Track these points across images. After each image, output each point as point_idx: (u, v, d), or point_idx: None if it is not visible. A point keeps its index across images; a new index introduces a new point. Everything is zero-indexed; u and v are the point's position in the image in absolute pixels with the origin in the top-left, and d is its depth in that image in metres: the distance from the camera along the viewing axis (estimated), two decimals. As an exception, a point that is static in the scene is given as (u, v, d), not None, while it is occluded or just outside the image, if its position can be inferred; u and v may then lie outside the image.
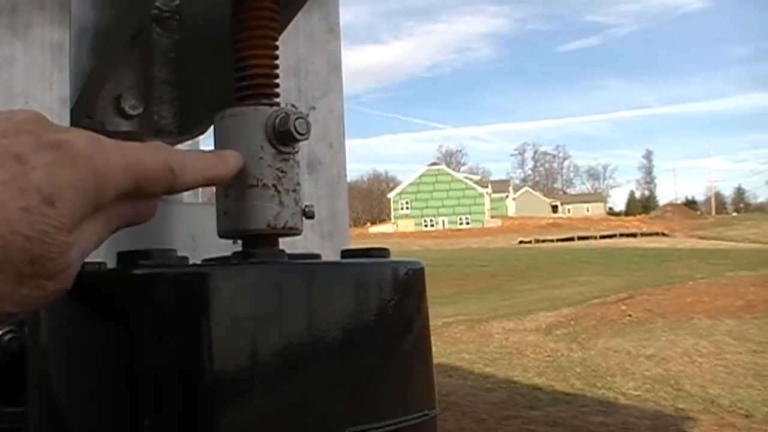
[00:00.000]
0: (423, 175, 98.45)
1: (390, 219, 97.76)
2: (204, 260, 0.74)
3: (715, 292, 16.38)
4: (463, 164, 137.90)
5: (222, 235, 0.76)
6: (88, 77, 0.98)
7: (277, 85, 0.80)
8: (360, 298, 0.70)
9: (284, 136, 0.73)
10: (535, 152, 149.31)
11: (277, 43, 0.82)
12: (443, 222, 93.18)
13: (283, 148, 0.74)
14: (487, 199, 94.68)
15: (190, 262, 0.73)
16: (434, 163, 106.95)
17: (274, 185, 0.74)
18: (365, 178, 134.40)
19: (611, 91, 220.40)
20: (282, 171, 0.74)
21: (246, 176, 0.73)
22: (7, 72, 0.83)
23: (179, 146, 1.29)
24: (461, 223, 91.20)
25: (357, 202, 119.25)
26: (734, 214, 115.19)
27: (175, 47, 1.07)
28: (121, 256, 0.64)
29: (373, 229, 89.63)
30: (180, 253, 0.70)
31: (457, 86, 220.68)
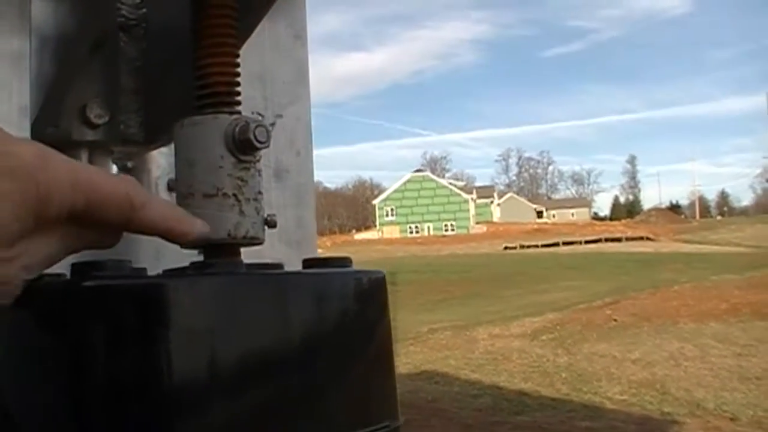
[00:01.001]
0: (408, 181, 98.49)
1: (375, 226, 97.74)
2: (164, 271, 0.73)
3: (700, 295, 16.47)
4: (448, 170, 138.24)
5: (183, 245, 0.75)
6: (51, 86, 0.97)
7: (238, 93, 0.79)
8: (320, 309, 0.69)
9: (244, 145, 0.72)
10: (520, 158, 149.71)
11: (241, 50, 0.81)
12: (428, 228, 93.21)
13: (243, 157, 0.73)
14: (471, 205, 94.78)
15: (154, 272, 0.72)
16: (419, 170, 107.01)
17: (234, 194, 0.73)
18: (350, 185, 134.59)
19: (595, 96, 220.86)
20: (242, 180, 0.73)
21: (205, 185, 0.72)
22: (-36, 82, 0.82)
23: (154, 155, 1.29)
24: (446, 230, 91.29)
25: (342, 209, 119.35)
26: (718, 217, 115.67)
27: (141, 55, 1.06)
28: (75, 268, 0.63)
29: (359, 236, 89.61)
30: (143, 264, 0.69)
31: (441, 92, 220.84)
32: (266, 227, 0.77)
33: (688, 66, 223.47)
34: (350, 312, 0.70)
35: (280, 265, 0.75)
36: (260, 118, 1.06)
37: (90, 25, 0.96)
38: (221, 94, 0.77)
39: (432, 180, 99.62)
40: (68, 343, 0.60)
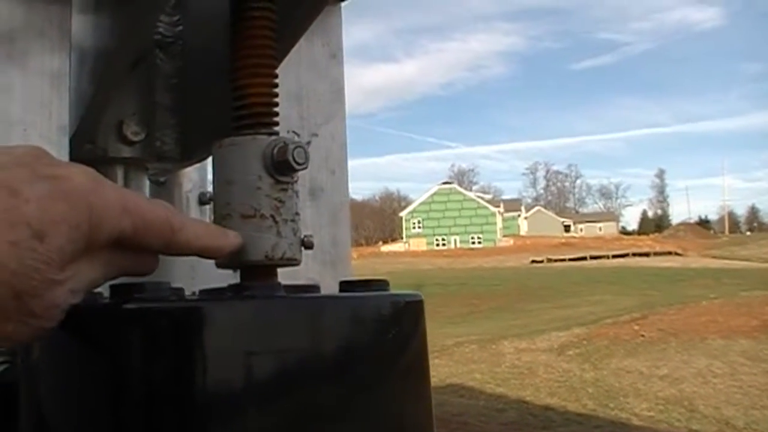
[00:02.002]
0: (435, 194, 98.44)
1: (402, 238, 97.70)
2: (201, 291, 0.73)
3: (729, 312, 16.31)
4: (475, 183, 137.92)
5: (219, 265, 0.75)
6: (89, 103, 0.97)
7: (276, 114, 0.79)
8: (356, 333, 0.68)
9: (282, 166, 0.72)
10: (547, 171, 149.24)
11: (279, 69, 0.81)
12: (455, 241, 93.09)
13: (281, 178, 0.73)
14: (499, 219, 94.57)
15: (189, 291, 0.72)
16: (446, 182, 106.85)
17: (272, 215, 0.73)
18: (377, 197, 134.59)
19: (624, 109, 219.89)
20: (280, 201, 0.73)
21: (243, 206, 0.72)
22: (4, 101, 0.82)
23: (186, 170, 1.29)
24: (473, 242, 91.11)
25: (369, 221, 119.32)
26: (748, 233, 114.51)
27: (177, 73, 1.06)
28: (114, 289, 0.63)
29: (385, 248, 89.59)
30: (179, 283, 0.69)
31: (470, 104, 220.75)
32: (303, 248, 0.77)
33: (719, 79, 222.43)
34: (387, 336, 0.70)
35: (316, 287, 0.75)
36: (298, 139, 1.06)
37: (128, 42, 0.96)
38: (260, 115, 0.77)
39: (459, 192, 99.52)
40: (109, 364, 0.60)
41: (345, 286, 0.75)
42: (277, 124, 0.79)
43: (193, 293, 0.80)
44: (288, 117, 1.04)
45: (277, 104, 0.79)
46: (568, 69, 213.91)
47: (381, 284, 0.75)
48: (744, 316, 15.56)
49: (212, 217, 0.77)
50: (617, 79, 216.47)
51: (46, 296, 0.51)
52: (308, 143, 1.08)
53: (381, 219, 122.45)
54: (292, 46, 0.95)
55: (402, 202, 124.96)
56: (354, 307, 0.69)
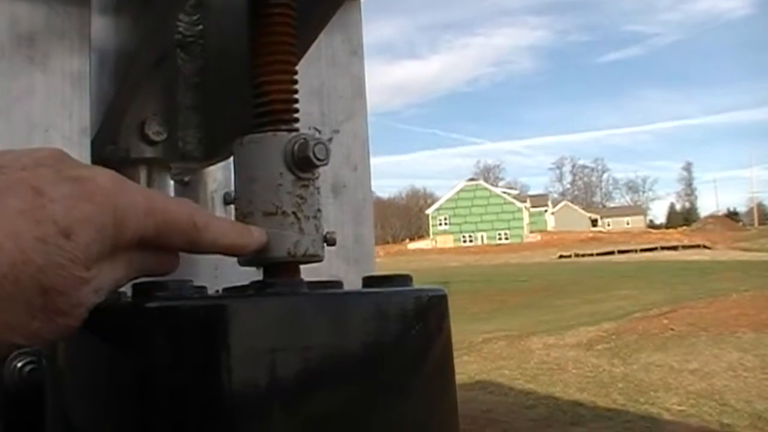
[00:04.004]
0: (461, 190, 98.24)
1: (428, 235, 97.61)
2: (224, 289, 0.73)
3: (760, 305, 16.16)
4: (501, 179, 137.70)
5: (242, 263, 0.75)
6: (111, 104, 0.97)
7: (296, 110, 0.79)
8: (380, 328, 0.68)
9: (303, 162, 0.72)
10: (574, 166, 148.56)
11: (299, 66, 0.81)
12: (482, 237, 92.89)
13: (302, 174, 0.73)
14: (525, 214, 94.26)
15: (212, 290, 0.72)
16: (472, 179, 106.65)
17: (294, 212, 0.72)
18: (403, 195, 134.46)
19: (651, 101, 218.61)
20: (302, 197, 0.73)
21: (265, 203, 0.72)
22: (26, 102, 0.82)
23: (210, 169, 1.29)
24: (500, 239, 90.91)
25: (395, 219, 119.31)
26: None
27: (198, 72, 1.06)
28: (137, 288, 0.63)
29: (412, 246, 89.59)
30: (202, 282, 0.69)
31: (496, 100, 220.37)
32: (325, 245, 0.77)
33: (747, 69, 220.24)
34: (411, 331, 0.70)
35: (339, 283, 0.75)
36: (318, 134, 1.05)
37: (149, 42, 0.96)
38: (280, 112, 0.77)
39: (485, 189, 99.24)
40: (132, 363, 0.60)
41: (368, 281, 0.75)
42: (297, 120, 0.79)
43: (217, 291, 0.80)
44: (309, 114, 1.04)
45: (296, 100, 0.79)
46: (595, 62, 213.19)
47: (404, 279, 0.74)
48: (774, 309, 15.41)
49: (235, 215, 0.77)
50: (644, 71, 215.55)
51: (72, 294, 0.51)
52: (330, 140, 1.08)
53: (407, 216, 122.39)
54: (312, 42, 0.95)
55: (428, 199, 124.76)
56: (377, 303, 0.69)
